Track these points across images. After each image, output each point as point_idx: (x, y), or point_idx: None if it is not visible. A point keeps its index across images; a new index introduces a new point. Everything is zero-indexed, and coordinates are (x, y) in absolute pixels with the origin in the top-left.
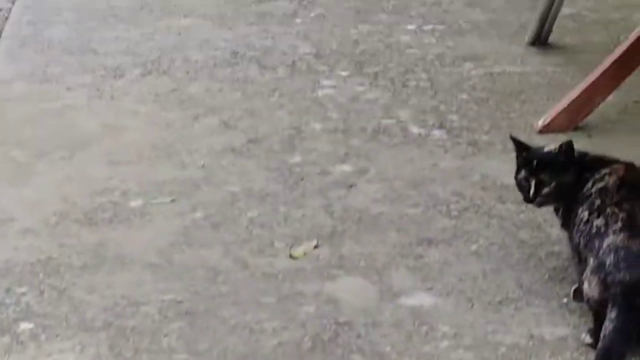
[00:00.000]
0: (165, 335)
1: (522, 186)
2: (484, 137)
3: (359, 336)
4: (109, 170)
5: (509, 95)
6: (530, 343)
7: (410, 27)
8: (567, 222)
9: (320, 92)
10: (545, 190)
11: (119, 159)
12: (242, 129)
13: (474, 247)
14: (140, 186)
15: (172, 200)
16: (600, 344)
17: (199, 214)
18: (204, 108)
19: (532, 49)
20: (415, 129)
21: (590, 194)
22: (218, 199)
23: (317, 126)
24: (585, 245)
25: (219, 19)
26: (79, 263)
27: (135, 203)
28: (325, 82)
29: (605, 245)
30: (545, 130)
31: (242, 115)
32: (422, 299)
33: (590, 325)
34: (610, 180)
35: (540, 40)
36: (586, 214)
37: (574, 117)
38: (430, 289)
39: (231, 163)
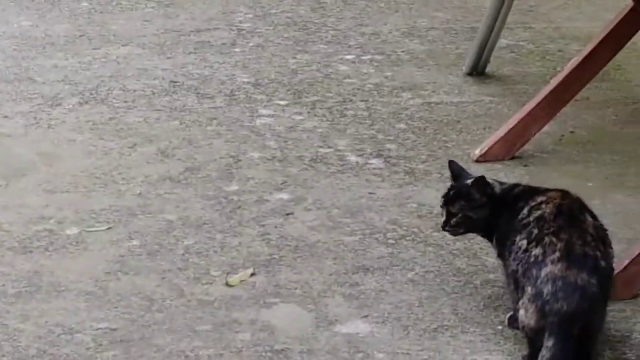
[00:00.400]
0: None
1: (441, 214)
2: (421, 166)
3: None
4: (44, 199)
5: (446, 125)
6: None
7: (349, 56)
8: (502, 252)
9: (258, 121)
10: (453, 220)
11: (55, 187)
12: (179, 157)
13: (410, 274)
14: (76, 214)
15: (108, 229)
16: None
17: (135, 242)
18: (142, 137)
19: (470, 79)
20: (352, 158)
21: (529, 223)
22: (154, 227)
23: (255, 155)
24: (524, 273)
25: (158, 47)
26: (13, 291)
27: (71, 231)
28: (264, 111)
29: (543, 274)
30: (482, 159)
31: (180, 144)
32: (357, 327)
33: (525, 352)
34: (547, 209)
35: (478, 71)
36: (525, 242)
37: (510, 146)
38: (366, 316)
39: (168, 191)
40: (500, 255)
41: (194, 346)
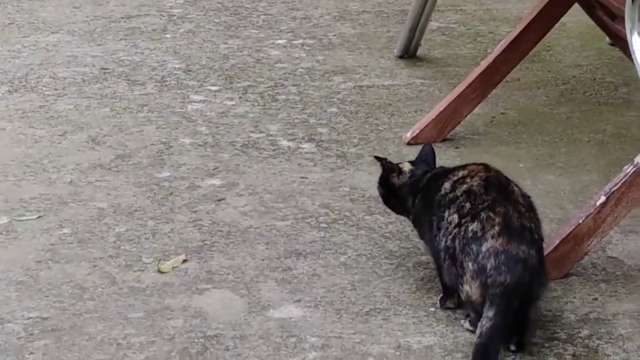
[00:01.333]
0: (31, 353)
1: None
2: (353, 150)
3: (227, 349)
4: None
5: (377, 108)
6: (398, 352)
7: (280, 41)
8: (422, 232)
9: (189, 107)
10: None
11: None
12: (110, 145)
13: (342, 258)
14: (6, 203)
15: (39, 217)
16: (477, 340)
17: (66, 230)
18: (72, 125)
19: (401, 62)
20: (284, 143)
21: (456, 197)
22: (85, 215)
23: (187, 141)
24: (462, 249)
25: (88, 34)
26: None
27: (1, 220)
28: (195, 97)
29: (484, 249)
30: (413, 142)
31: (111, 131)
32: (290, 311)
33: (472, 314)
34: (474, 182)
35: (409, 54)
36: (455, 217)
37: (441, 128)
38: (299, 300)
39: (99, 179)
40: (421, 235)
41: (125, 334)
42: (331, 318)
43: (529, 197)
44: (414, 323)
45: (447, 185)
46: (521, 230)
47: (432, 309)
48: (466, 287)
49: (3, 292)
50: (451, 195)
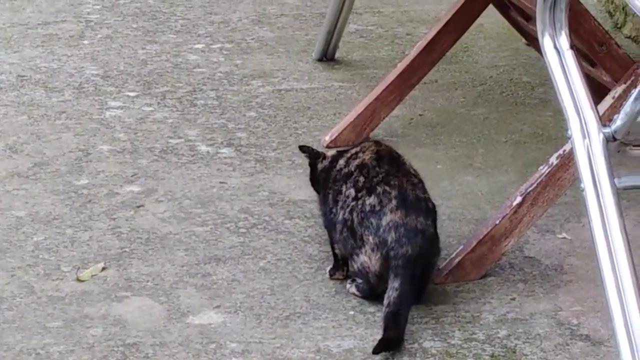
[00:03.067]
0: None
1: None
2: (272, 154)
3: (147, 357)
4: None
5: (296, 112)
6: (318, 356)
7: (198, 45)
8: (320, 207)
9: (107, 114)
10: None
11: None
12: (27, 152)
13: (262, 263)
14: None
15: None
16: (387, 309)
17: None
18: None
19: (319, 65)
20: (203, 148)
21: (350, 172)
22: (3, 224)
23: (105, 147)
24: (360, 222)
25: (5, 41)
26: None
27: None
28: (113, 103)
29: (384, 223)
30: (332, 145)
31: (28, 139)
32: (210, 317)
33: (358, 280)
34: (366, 157)
35: (327, 57)
36: (352, 191)
37: (360, 131)
38: (219, 306)
39: (17, 187)
40: (320, 210)
41: (44, 343)
42: (251, 323)
43: (416, 170)
44: (333, 327)
45: (341, 161)
46: (417, 201)
47: (352, 313)
48: (363, 258)
49: None
50: (345, 170)
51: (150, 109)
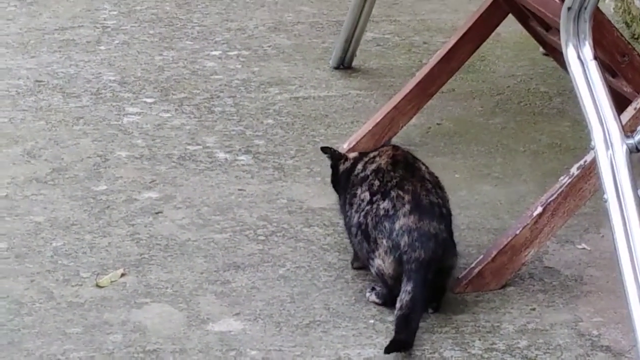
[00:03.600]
0: None
1: None
2: (290, 162)
3: None
4: None
5: (314, 120)
6: None
7: (215, 52)
8: (343, 209)
9: (125, 120)
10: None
11: None
12: (46, 158)
13: (281, 271)
14: None
15: None
16: (399, 312)
17: (2, 245)
18: (7, 138)
19: (337, 73)
20: (221, 155)
21: (366, 176)
22: (22, 229)
23: (123, 154)
24: (375, 226)
25: (22, 46)
26: None
27: None
28: (131, 109)
29: (397, 227)
30: (350, 153)
31: (46, 145)
32: (230, 325)
33: (377, 287)
34: (382, 161)
35: (344, 64)
36: (367, 194)
37: (378, 139)
38: (238, 314)
39: (35, 193)
40: (342, 211)
41: (64, 349)
42: (271, 331)
43: (435, 175)
44: (353, 335)
45: (359, 165)
46: (430, 206)
47: (372, 321)
48: (377, 262)
49: None
50: (362, 175)
51: (168, 115)
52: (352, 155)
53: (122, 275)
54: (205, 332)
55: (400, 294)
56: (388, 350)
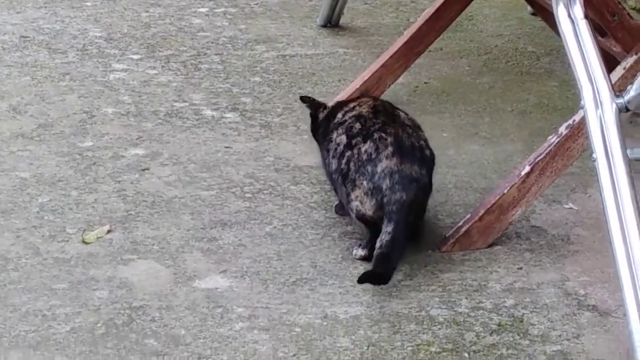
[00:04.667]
0: None
1: None
2: (277, 119)
3: (153, 320)
4: None
5: (301, 77)
6: (325, 322)
7: (202, 9)
8: (322, 153)
9: (111, 76)
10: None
11: None
12: (32, 114)
13: (268, 228)
14: None
15: None
16: (378, 251)
17: None
18: None
19: (324, 31)
20: (208, 112)
21: (344, 121)
22: (8, 185)
23: (109, 110)
24: (357, 170)
25: (7, 2)
26: None
27: None
28: (117, 66)
29: (379, 169)
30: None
31: (32, 100)
32: (216, 282)
33: (361, 242)
34: (363, 109)
35: (332, 23)
36: (344, 137)
37: None
38: (225, 271)
39: (21, 149)
40: (322, 157)
41: (50, 305)
42: (258, 288)
43: (413, 119)
44: (340, 293)
45: (339, 114)
46: (412, 149)
47: None
48: (356, 204)
49: None
50: (340, 121)
51: (155, 72)
52: (331, 104)
53: (109, 231)
54: (191, 289)
55: (381, 234)
56: (361, 280)
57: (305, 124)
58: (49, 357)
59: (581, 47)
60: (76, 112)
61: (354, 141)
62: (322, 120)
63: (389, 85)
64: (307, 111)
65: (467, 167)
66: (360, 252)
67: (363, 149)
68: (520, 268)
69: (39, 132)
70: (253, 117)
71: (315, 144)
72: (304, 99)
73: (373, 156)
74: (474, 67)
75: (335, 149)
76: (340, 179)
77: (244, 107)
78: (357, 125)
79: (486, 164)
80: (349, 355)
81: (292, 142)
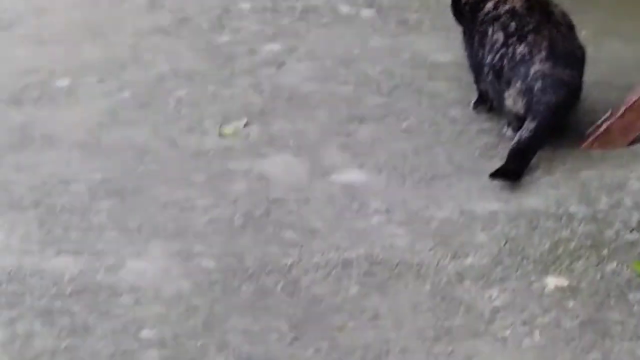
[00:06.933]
0: (96, 213)
1: None
2: (413, 16)
3: (290, 212)
4: (34, 50)
5: None
6: (462, 218)
7: None
8: (465, 46)
9: None
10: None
11: (44, 39)
12: (169, 8)
13: (404, 124)
14: (66, 66)
15: (99, 80)
16: (514, 145)
17: (126, 94)
18: None
19: None
20: (344, 8)
21: (499, 15)
22: (145, 78)
23: (246, 6)
24: (511, 69)
25: None
26: (6, 142)
27: (62, 83)
28: None
29: (532, 72)
30: None
31: None
32: (353, 176)
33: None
34: (517, 4)
35: None
36: (501, 35)
37: None
38: (362, 166)
39: (159, 43)
40: (465, 49)
41: (188, 196)
42: (394, 183)
43: (567, 16)
44: (477, 189)
45: (489, 4)
46: (564, 53)
47: None
48: (509, 101)
49: (66, 153)
50: (494, 13)
51: None
52: None
53: (245, 125)
54: (328, 183)
55: (521, 130)
56: (494, 175)
57: (442, 21)
58: (187, 247)
59: None
60: (213, 7)
61: (509, 40)
62: (467, 4)
63: None
64: (445, 7)
65: (607, 64)
66: (510, 133)
67: (518, 50)
68: None
69: (176, 26)
70: (389, 14)
71: (451, 40)
72: None
73: (527, 58)
74: None
75: (493, 44)
76: (492, 74)
77: (380, 3)
78: (513, 25)
79: (626, 61)
80: (486, 251)
81: (428, 39)
